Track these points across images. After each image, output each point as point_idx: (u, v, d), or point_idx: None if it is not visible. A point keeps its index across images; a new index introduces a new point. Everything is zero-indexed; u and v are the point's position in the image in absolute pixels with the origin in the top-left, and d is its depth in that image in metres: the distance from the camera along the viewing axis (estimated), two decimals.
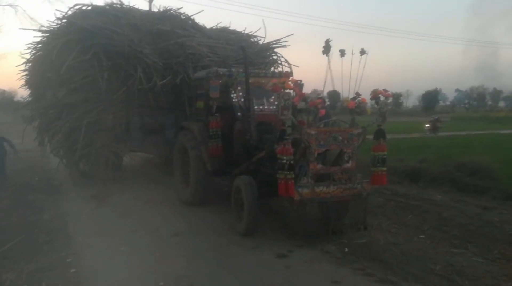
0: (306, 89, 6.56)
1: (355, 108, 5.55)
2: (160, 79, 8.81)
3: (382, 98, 5.57)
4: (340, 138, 5.37)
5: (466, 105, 73.12)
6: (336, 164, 5.60)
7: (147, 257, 5.06)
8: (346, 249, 5.29)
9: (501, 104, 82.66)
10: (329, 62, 5.79)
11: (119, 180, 9.29)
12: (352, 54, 5.64)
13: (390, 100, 5.99)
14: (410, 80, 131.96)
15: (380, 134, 5.57)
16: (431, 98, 69.41)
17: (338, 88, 6.04)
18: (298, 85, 6.58)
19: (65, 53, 8.61)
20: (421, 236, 5.81)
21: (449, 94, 77.18)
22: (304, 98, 5.40)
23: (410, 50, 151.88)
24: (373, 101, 5.71)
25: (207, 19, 13.27)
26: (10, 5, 20.83)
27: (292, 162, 5.10)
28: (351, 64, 5.65)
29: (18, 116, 19.59)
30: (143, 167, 11.60)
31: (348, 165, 5.48)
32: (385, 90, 5.56)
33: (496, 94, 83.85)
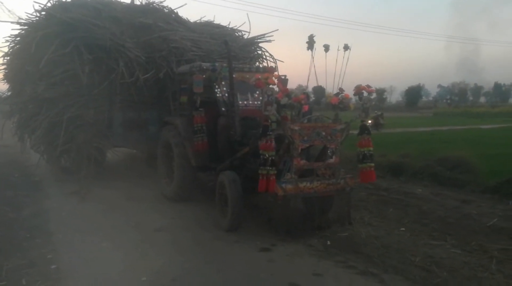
0: (292, 84, 6.62)
1: (338, 103, 5.54)
2: (142, 73, 8.66)
3: (365, 93, 5.57)
4: (324, 133, 5.37)
5: (448, 101, 74.50)
6: (319, 160, 5.62)
7: (129, 253, 5.03)
8: (329, 242, 5.35)
9: (482, 99, 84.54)
10: (312, 58, 5.78)
11: (101, 176, 9.16)
12: (338, 50, 5.61)
13: (373, 95, 5.99)
14: (393, 75, 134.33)
15: (364, 129, 5.54)
16: (414, 94, 70.48)
17: (322, 84, 6.02)
18: (282, 80, 6.62)
19: (45, 46, 8.40)
20: (402, 229, 5.91)
21: (432, 89, 78.75)
22: (287, 93, 5.32)
23: (394, 46, 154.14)
24: (357, 97, 5.70)
25: (191, 13, 13.14)
26: None
27: (274, 158, 5.10)
28: (336, 59, 5.67)
29: None
30: (126, 162, 11.46)
31: (332, 160, 5.50)
32: (368, 86, 5.56)
33: (477, 89, 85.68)
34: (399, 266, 4.61)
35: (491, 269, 4.54)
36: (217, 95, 6.98)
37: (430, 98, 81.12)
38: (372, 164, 5.52)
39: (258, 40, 10.87)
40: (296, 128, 5.21)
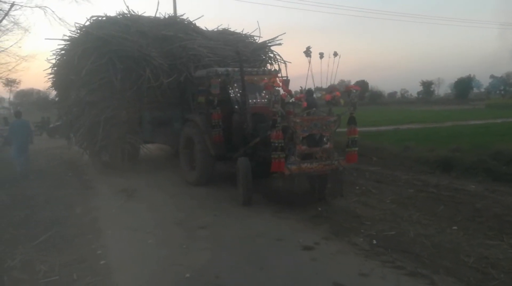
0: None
1: (331, 100, 6.68)
2: (166, 78, 9.99)
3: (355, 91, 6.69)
4: (320, 124, 6.49)
5: (502, 92, 69.93)
6: (317, 146, 6.59)
7: (174, 249, 5.12)
8: (374, 241, 5.16)
9: None
10: (310, 63, 6.56)
11: (146, 174, 9.61)
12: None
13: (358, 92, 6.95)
14: (441, 67, 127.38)
15: (352, 120, 6.74)
16: (464, 86, 66.95)
17: (318, 85, 7.18)
18: (284, 81, 7.90)
19: (85, 58, 9.85)
20: (454, 228, 5.59)
21: (484, 80, 73.95)
22: (290, 93, 6.75)
23: (441, 36, 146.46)
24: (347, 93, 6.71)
25: (208, 13, 14.27)
26: (39, 7, 21.54)
27: (282, 144, 6.27)
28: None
29: (53, 114, 20.44)
30: (168, 161, 11.82)
31: (327, 146, 6.60)
32: (355, 85, 6.55)
33: None
34: (451, 267, 4.36)
35: None
36: (231, 95, 8.26)
37: (482, 90, 76.34)
38: (356, 148, 6.78)
39: (269, 44, 11.92)
40: (298, 120, 6.38)
